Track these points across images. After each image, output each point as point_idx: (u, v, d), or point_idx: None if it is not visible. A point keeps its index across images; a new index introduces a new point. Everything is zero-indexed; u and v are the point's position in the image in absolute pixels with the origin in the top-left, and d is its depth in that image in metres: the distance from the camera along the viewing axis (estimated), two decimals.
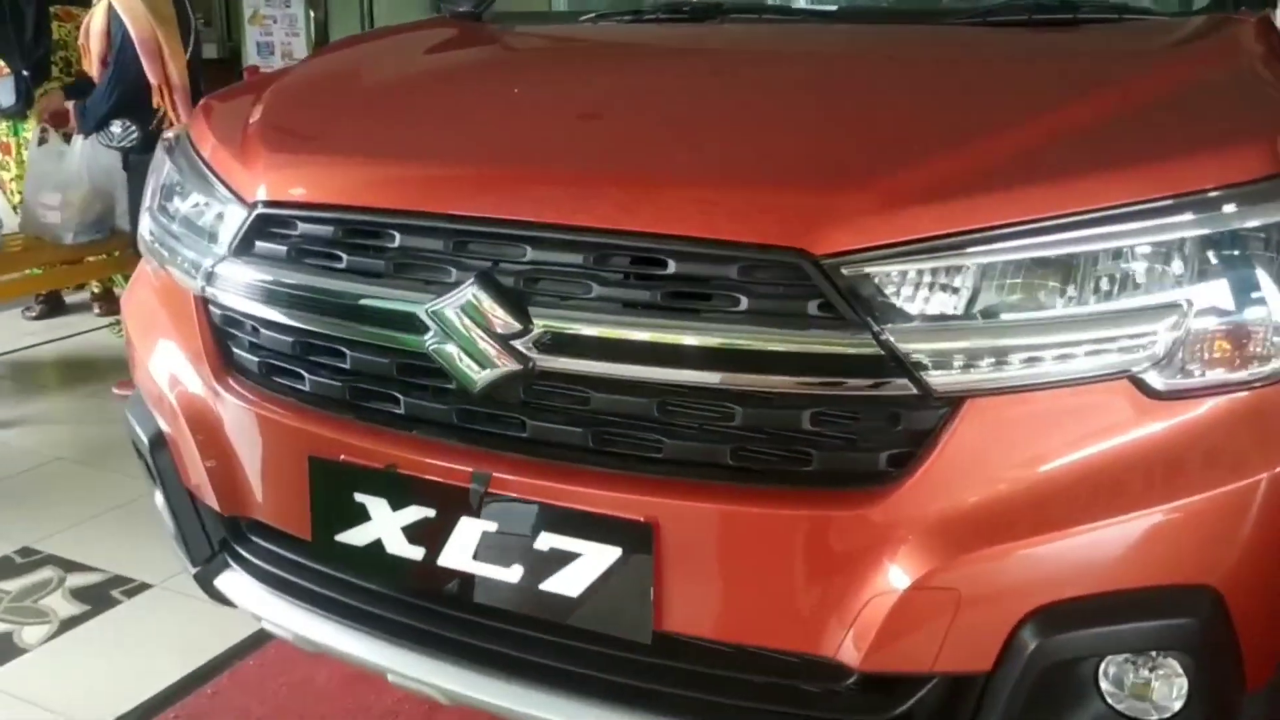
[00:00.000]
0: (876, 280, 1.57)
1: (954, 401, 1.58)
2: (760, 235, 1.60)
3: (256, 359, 2.05)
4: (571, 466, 1.75)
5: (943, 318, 1.57)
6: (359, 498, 1.89)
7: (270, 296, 1.97)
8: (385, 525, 1.87)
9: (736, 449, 1.66)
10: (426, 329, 1.79)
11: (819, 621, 1.65)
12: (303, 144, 2.10)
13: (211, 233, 2.10)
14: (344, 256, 1.89)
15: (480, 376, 1.75)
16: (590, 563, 1.72)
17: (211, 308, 2.11)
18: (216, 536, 2.24)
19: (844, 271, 1.57)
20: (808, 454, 1.64)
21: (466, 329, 1.74)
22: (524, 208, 1.73)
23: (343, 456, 1.90)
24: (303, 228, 1.94)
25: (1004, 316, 1.57)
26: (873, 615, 1.61)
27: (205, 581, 2.25)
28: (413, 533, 1.85)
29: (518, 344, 1.71)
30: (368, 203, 1.86)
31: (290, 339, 1.97)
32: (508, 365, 1.72)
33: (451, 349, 1.76)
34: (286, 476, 1.99)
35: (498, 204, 1.74)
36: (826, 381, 1.59)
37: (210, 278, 2.06)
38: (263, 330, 2.02)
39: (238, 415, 2.05)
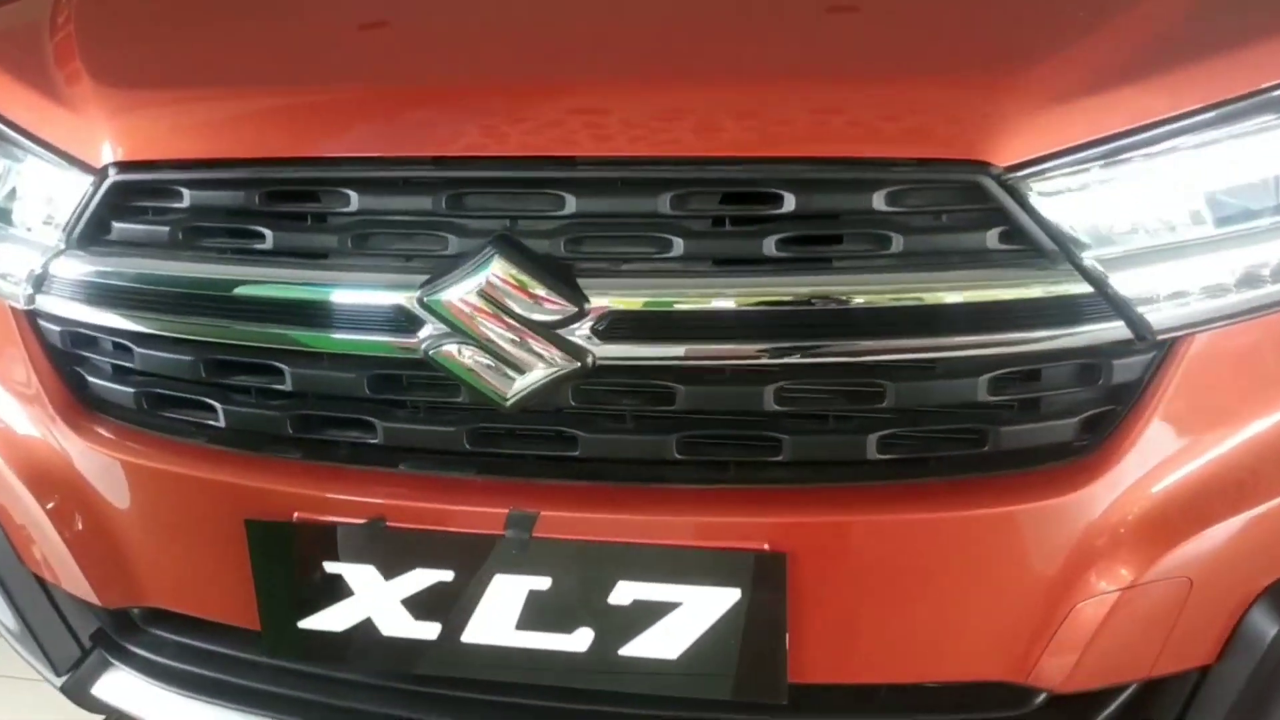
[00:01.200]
0: (1076, 195, 1.17)
1: (1167, 343, 1.21)
2: (920, 147, 1.15)
3: (131, 389, 1.43)
4: (653, 488, 1.28)
5: (1156, 235, 1.19)
6: (332, 568, 1.35)
7: (147, 300, 1.37)
8: (376, 600, 1.35)
9: (885, 438, 1.24)
10: (417, 325, 1.25)
11: (1006, 641, 1.27)
12: (176, 71, 1.44)
13: (28, 219, 1.44)
14: (268, 233, 1.30)
15: (516, 386, 1.23)
16: (694, 613, 1.27)
17: (44, 324, 1.46)
18: (87, 631, 1.62)
19: (1035, 187, 1.15)
20: (982, 432, 1.23)
21: (485, 320, 1.21)
22: (558, 137, 1.20)
23: (297, 515, 1.34)
24: (194, 197, 1.33)
25: (1230, 228, 1.20)
26: (1080, 624, 1.25)
27: (77, 691, 1.64)
28: (420, 605, 1.34)
29: (568, 332, 1.21)
30: (304, 150, 1.27)
31: (189, 358, 1.38)
32: (556, 365, 1.22)
33: (461, 351, 1.24)
34: (208, 549, 1.42)
35: (516, 135, 1.21)
36: (1015, 334, 1.18)
37: (40, 283, 1.41)
38: (138, 349, 1.40)
39: (105, 469, 1.45)
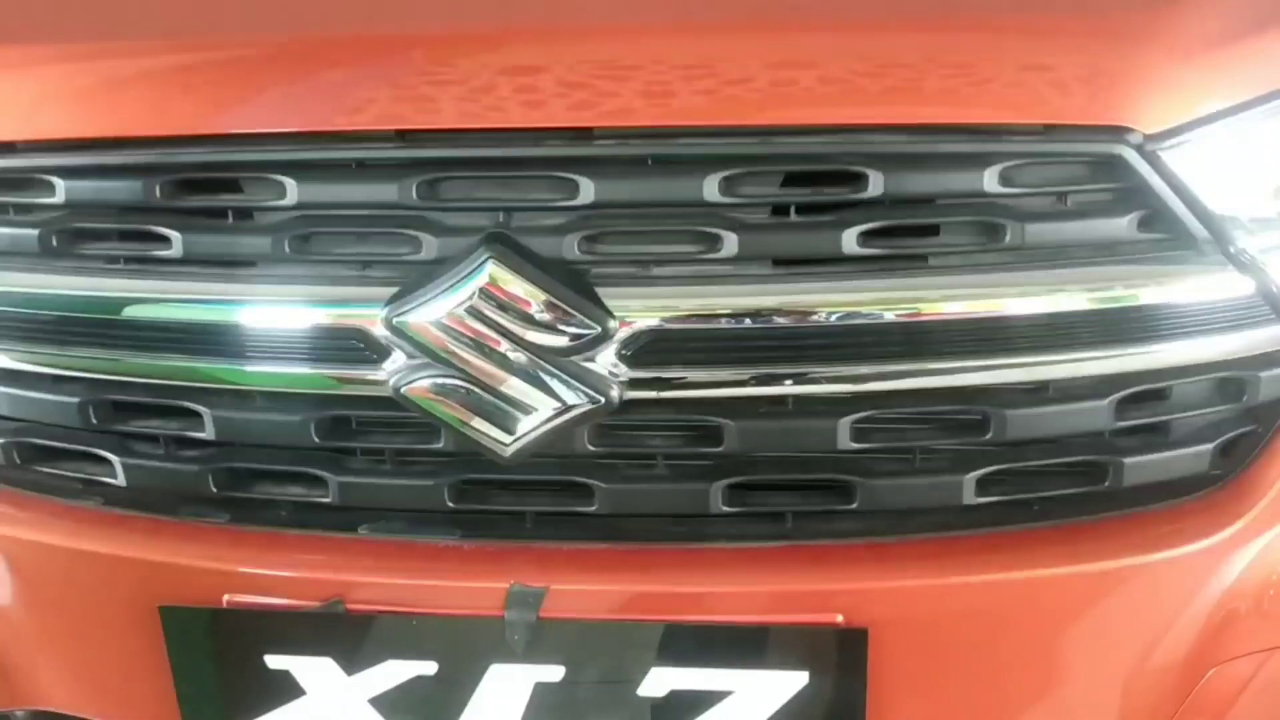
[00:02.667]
0: (1233, 169, 0.92)
1: None
2: (1045, 110, 0.89)
3: None
4: (692, 549, 1.01)
5: None
6: (276, 662, 1.05)
7: (10, 326, 1.04)
8: (336, 701, 1.05)
9: (985, 478, 0.98)
10: (383, 354, 0.95)
11: (1123, 711, 1.03)
12: (40, 18, 1.08)
13: None
14: (174, 235, 0.98)
15: (519, 431, 0.94)
16: (748, 705, 1.01)
17: None
18: None
19: (1185, 159, 0.90)
20: (1101, 466, 0.99)
21: (476, 347, 0.92)
22: (571, 103, 0.90)
23: (228, 598, 1.03)
24: (70, 190, 1.00)
25: None
26: (1214, 694, 1.02)
27: None
28: (394, 707, 1.05)
29: (587, 359, 0.93)
30: (222, 125, 0.95)
31: (74, 398, 1.05)
32: (573, 402, 0.93)
33: (443, 388, 0.94)
34: (111, 642, 1.10)
35: (514, 101, 0.91)
36: (1153, 345, 0.94)
37: None
38: (3, 389, 1.07)
39: None
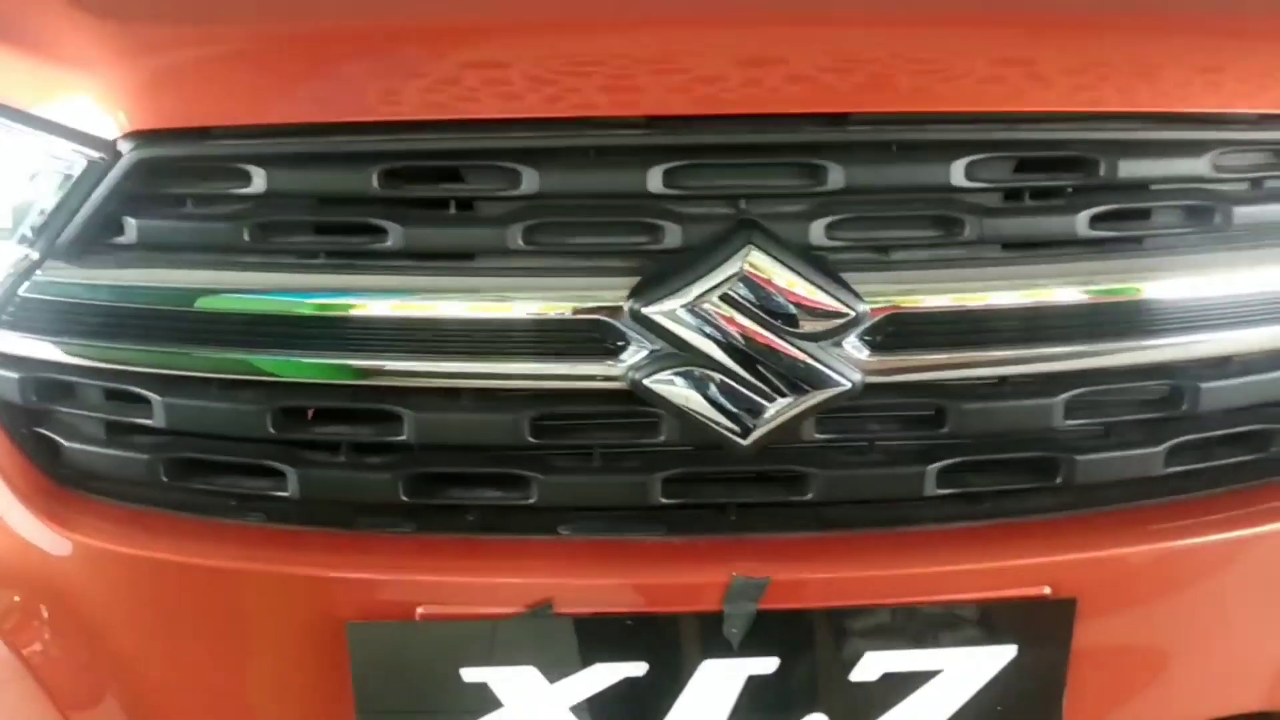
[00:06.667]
0: None
1: None
2: (1249, 99, 0.95)
3: (144, 455, 1.01)
4: (904, 533, 1.02)
5: None
6: (472, 675, 1.00)
7: (187, 329, 0.96)
8: (534, 710, 1.01)
9: (1175, 449, 1.04)
10: (621, 345, 0.93)
11: None
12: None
13: None
14: (390, 228, 0.93)
15: (762, 419, 0.94)
16: (956, 681, 1.03)
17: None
18: None
19: None
20: (1271, 433, 1.06)
21: (728, 336, 0.91)
22: (820, 88, 0.90)
23: (422, 611, 0.98)
24: (272, 178, 0.92)
25: None
26: None
27: None
28: (596, 711, 1.02)
29: (835, 345, 0.93)
30: (446, 111, 0.89)
31: (251, 406, 0.97)
32: (819, 389, 0.93)
33: (689, 378, 0.92)
34: (283, 670, 1.03)
35: (767, 85, 0.90)
36: None
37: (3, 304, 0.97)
38: (162, 399, 0.99)
39: (99, 571, 1.02)
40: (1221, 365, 1.03)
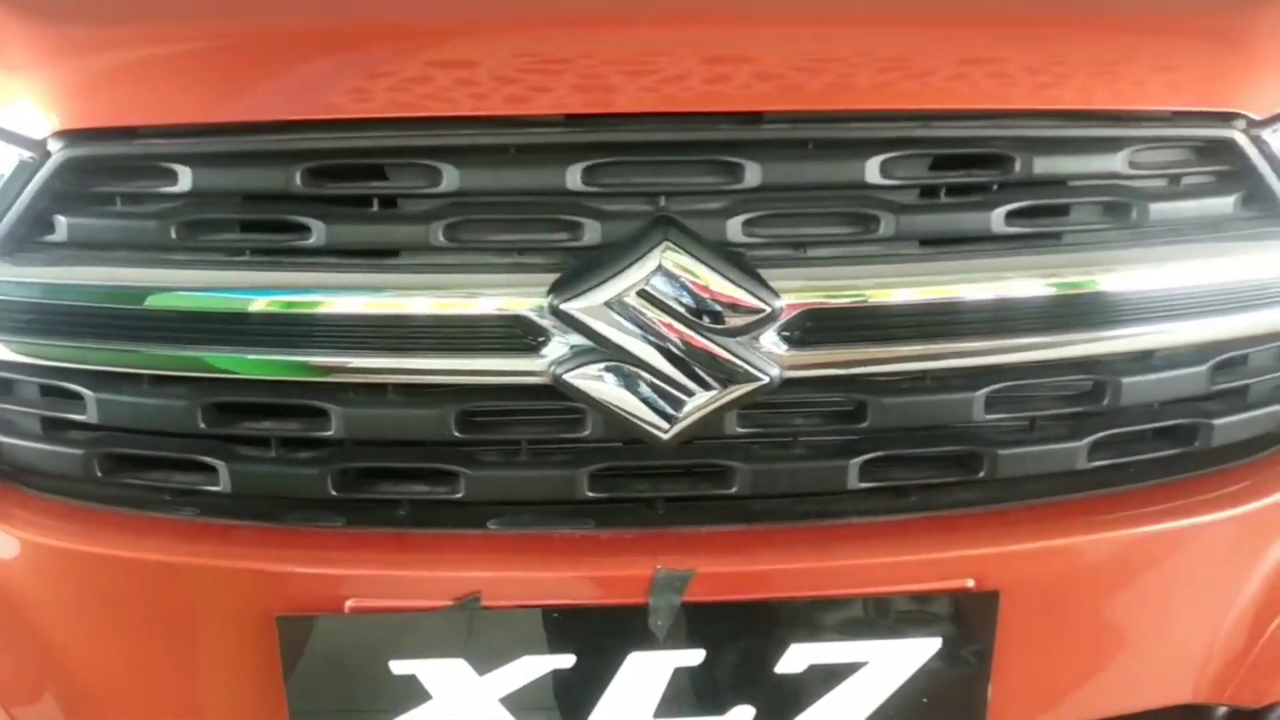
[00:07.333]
0: None
1: None
2: (1173, 98, 0.96)
3: (78, 450, 1.02)
4: (829, 527, 1.04)
5: None
6: (401, 667, 1.01)
7: (110, 325, 0.97)
8: (464, 703, 1.03)
9: (1098, 443, 1.05)
10: (542, 341, 0.94)
11: (1208, 662, 1.12)
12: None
13: None
14: (314, 225, 0.94)
15: (682, 414, 0.95)
16: (881, 673, 1.04)
17: None
18: None
19: None
20: (1193, 428, 1.08)
21: (646, 330, 0.92)
22: (739, 87, 0.92)
23: (351, 604, 1.00)
24: (197, 177, 0.94)
25: None
26: None
27: None
28: (524, 704, 1.03)
29: (753, 340, 0.94)
30: (371, 109, 0.91)
31: (179, 400, 0.99)
32: (738, 382, 0.95)
33: (608, 373, 0.94)
34: (214, 662, 1.04)
35: (689, 85, 0.91)
36: (1247, 314, 1.03)
37: None
38: (92, 394, 1.00)
39: (38, 566, 1.03)
40: (1142, 360, 1.04)
